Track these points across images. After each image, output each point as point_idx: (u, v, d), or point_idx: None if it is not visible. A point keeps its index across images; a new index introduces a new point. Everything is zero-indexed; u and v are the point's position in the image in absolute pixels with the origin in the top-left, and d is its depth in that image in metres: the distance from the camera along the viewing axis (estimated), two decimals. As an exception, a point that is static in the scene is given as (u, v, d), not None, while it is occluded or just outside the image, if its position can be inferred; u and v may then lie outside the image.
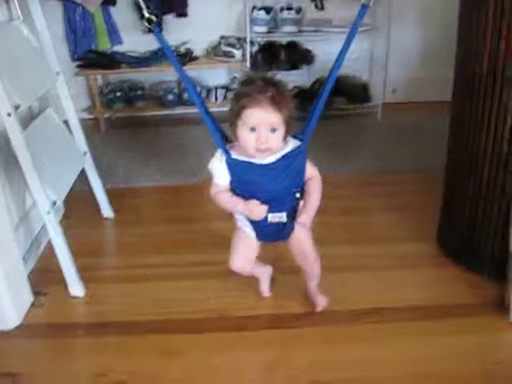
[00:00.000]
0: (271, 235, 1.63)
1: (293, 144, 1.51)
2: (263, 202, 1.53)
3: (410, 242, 2.23)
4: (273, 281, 1.93)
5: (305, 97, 3.57)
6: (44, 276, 2.09)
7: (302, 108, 3.42)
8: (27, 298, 1.94)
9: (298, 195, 1.55)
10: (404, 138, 3.32)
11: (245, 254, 1.71)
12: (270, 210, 1.54)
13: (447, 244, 2.13)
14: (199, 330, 1.81)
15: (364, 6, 1.45)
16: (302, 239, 1.65)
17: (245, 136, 1.44)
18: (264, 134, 1.41)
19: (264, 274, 1.89)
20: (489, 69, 1.73)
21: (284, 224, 1.58)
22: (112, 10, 3.65)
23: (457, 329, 1.78)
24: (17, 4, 2.09)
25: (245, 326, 1.82)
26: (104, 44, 3.68)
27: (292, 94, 1.52)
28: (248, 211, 1.54)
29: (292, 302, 1.89)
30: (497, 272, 1.90)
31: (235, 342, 1.76)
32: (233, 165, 1.52)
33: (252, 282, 1.91)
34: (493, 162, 1.82)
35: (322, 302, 1.83)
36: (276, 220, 1.56)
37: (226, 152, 1.52)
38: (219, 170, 1.54)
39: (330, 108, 3.55)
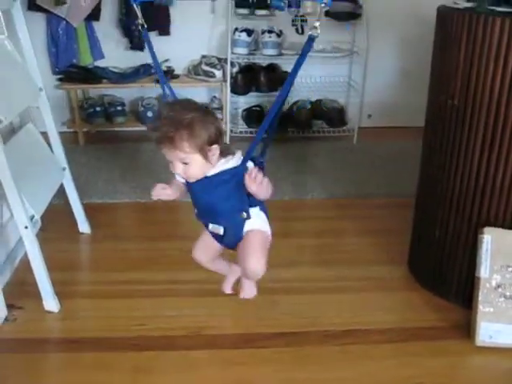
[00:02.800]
0: (217, 240, 1.65)
1: (233, 162, 1.49)
2: (201, 211, 1.58)
3: (382, 266, 2.28)
4: (238, 281, 1.86)
5: (282, 119, 3.65)
6: (19, 290, 2.08)
7: (279, 130, 3.51)
8: (1, 311, 1.94)
9: (242, 215, 1.54)
10: (378, 163, 3.40)
11: (202, 247, 1.71)
12: (210, 220, 1.58)
13: (417, 268, 2.20)
14: (172, 348, 1.83)
15: (311, 39, 1.38)
16: (245, 251, 1.55)
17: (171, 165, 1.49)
18: (178, 167, 1.45)
19: (229, 272, 1.84)
20: (460, 102, 1.80)
21: (222, 237, 1.60)
22: (95, 25, 3.67)
23: (426, 351, 1.84)
24: (2, 20, 2.10)
25: (217, 344, 1.85)
26: (86, 59, 3.69)
27: (206, 113, 1.50)
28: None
29: (265, 321, 1.92)
30: (463, 297, 1.97)
31: (207, 360, 1.79)
32: None
33: (226, 301, 1.94)
34: (461, 191, 1.89)
35: (248, 294, 1.79)
36: (215, 231, 1.59)
37: None
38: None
39: (308, 130, 3.63)
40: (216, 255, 1.74)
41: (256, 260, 1.54)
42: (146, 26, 1.65)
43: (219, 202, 1.53)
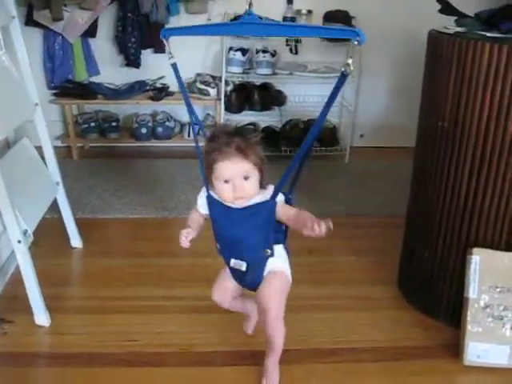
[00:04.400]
0: (238, 279, 1.65)
1: (263, 196, 1.51)
2: (225, 244, 1.58)
3: (371, 285, 2.29)
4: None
5: (275, 137, 3.69)
6: (9, 303, 2.09)
7: (272, 148, 3.55)
8: (-9, 325, 1.94)
9: (266, 252, 1.56)
10: (370, 182, 3.43)
11: (221, 288, 1.70)
12: (232, 255, 1.58)
13: (406, 288, 2.21)
14: (162, 364, 1.83)
15: (344, 74, 1.33)
16: (265, 293, 1.56)
17: (221, 188, 1.48)
18: (239, 184, 1.45)
19: (250, 311, 1.84)
20: (450, 124, 1.84)
21: (244, 273, 1.59)
22: (91, 41, 3.71)
23: (414, 370, 1.85)
24: (0, 35, 2.13)
25: (208, 361, 1.85)
26: (81, 75, 3.72)
27: (259, 138, 1.55)
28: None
29: (255, 339, 1.91)
30: (452, 317, 1.99)
31: (198, 376, 1.79)
32: (209, 201, 1.58)
33: (218, 318, 1.95)
34: (450, 212, 1.91)
35: (269, 381, 1.71)
36: (237, 266, 1.58)
37: (207, 188, 1.57)
38: (200, 199, 1.61)
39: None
40: (236, 296, 1.73)
41: (275, 305, 1.56)
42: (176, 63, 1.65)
43: (246, 235, 1.53)
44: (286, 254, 1.62)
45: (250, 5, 1.44)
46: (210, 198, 1.58)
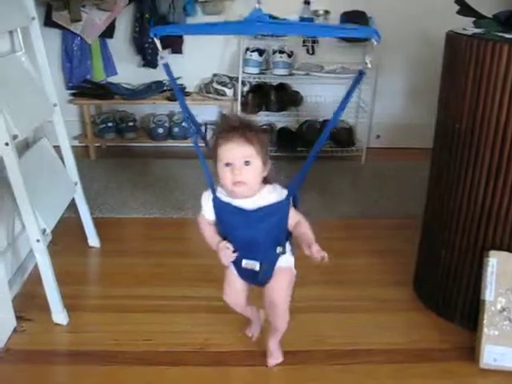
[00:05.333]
0: (247, 278, 1.66)
1: (277, 196, 1.53)
2: (237, 245, 1.57)
3: (387, 286, 2.29)
4: (262, 328, 1.92)
5: (291, 138, 3.69)
6: (28, 302, 2.11)
7: (288, 149, 3.55)
8: (10, 322, 1.96)
9: (279, 250, 1.59)
10: (386, 183, 3.42)
11: (232, 289, 1.71)
12: (245, 256, 1.58)
13: (422, 290, 2.21)
14: (177, 363, 1.84)
15: (361, 73, 1.45)
16: (275, 289, 1.62)
17: (222, 172, 1.49)
18: (238, 166, 1.46)
19: (255, 317, 1.89)
20: (467, 127, 1.83)
21: (257, 272, 1.60)
22: (109, 42, 3.75)
23: (429, 373, 1.84)
24: (20, 36, 2.16)
25: (223, 361, 1.86)
26: (99, 75, 3.75)
27: (266, 133, 1.57)
28: (218, 252, 1.58)
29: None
30: (468, 319, 1.98)
31: (213, 376, 1.80)
32: (217, 203, 1.57)
33: (232, 318, 1.95)
34: (468, 215, 1.90)
35: (275, 360, 1.82)
36: (249, 267, 1.59)
37: (213, 190, 1.57)
38: (206, 205, 1.60)
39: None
40: (244, 295, 1.74)
41: (283, 300, 1.63)
42: (168, 63, 1.55)
43: (261, 235, 1.55)
44: (290, 246, 1.65)
45: (259, 3, 1.43)
46: (216, 201, 1.57)
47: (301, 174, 1.53)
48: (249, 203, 1.52)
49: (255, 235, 1.54)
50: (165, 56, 1.55)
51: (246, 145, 1.45)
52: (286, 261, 1.63)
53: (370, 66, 1.40)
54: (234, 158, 1.46)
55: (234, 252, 1.58)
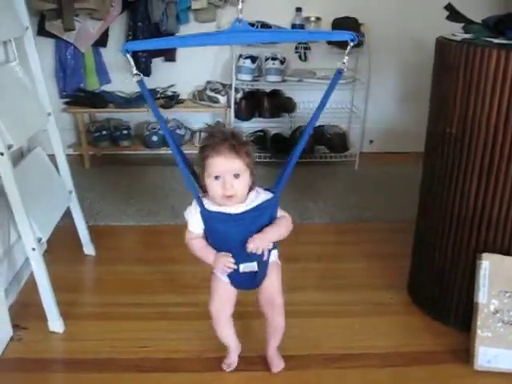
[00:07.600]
0: (244, 284, 1.67)
1: (264, 196, 1.57)
2: (233, 252, 1.56)
3: (381, 290, 2.30)
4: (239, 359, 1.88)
5: (285, 144, 3.71)
6: (24, 310, 2.12)
7: (281, 156, 3.56)
8: (7, 331, 1.97)
9: (269, 245, 1.59)
10: (379, 188, 3.44)
11: (221, 298, 1.71)
12: (241, 261, 1.58)
13: (416, 293, 2.22)
14: (174, 370, 1.85)
15: (339, 72, 1.52)
16: (274, 285, 1.68)
17: (211, 185, 1.50)
18: (229, 181, 1.48)
19: (235, 347, 1.85)
20: (458, 131, 1.85)
21: (256, 273, 1.62)
22: (102, 50, 3.76)
23: (424, 376, 1.85)
24: (14, 47, 2.17)
25: (219, 367, 1.85)
26: (93, 84, 3.77)
27: (251, 142, 1.60)
28: (216, 264, 1.58)
29: (265, 345, 1.93)
30: (462, 322, 1.99)
31: (208, 382, 1.81)
32: (206, 215, 1.56)
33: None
34: (460, 218, 1.92)
35: (278, 366, 1.84)
36: (248, 270, 1.60)
37: (200, 202, 1.56)
38: (193, 219, 1.58)
39: (310, 156, 3.67)
40: (233, 305, 1.74)
41: (281, 294, 1.71)
42: (141, 75, 1.53)
43: (252, 234, 1.55)
44: None
45: (240, 11, 1.46)
46: (205, 212, 1.56)
47: (287, 170, 1.58)
48: (239, 208, 1.54)
49: (249, 237, 1.54)
50: (138, 73, 1.52)
51: (236, 158, 1.48)
52: (273, 255, 1.67)
53: (347, 64, 1.50)
54: (224, 171, 1.48)
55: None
